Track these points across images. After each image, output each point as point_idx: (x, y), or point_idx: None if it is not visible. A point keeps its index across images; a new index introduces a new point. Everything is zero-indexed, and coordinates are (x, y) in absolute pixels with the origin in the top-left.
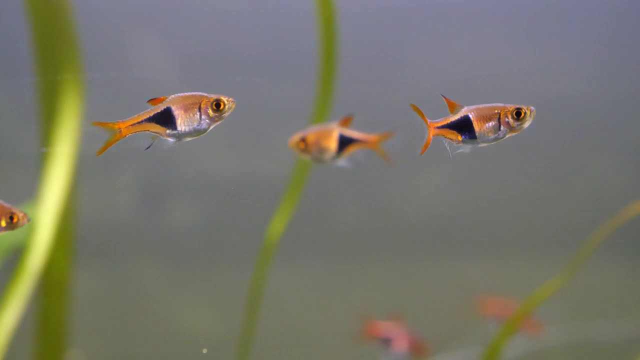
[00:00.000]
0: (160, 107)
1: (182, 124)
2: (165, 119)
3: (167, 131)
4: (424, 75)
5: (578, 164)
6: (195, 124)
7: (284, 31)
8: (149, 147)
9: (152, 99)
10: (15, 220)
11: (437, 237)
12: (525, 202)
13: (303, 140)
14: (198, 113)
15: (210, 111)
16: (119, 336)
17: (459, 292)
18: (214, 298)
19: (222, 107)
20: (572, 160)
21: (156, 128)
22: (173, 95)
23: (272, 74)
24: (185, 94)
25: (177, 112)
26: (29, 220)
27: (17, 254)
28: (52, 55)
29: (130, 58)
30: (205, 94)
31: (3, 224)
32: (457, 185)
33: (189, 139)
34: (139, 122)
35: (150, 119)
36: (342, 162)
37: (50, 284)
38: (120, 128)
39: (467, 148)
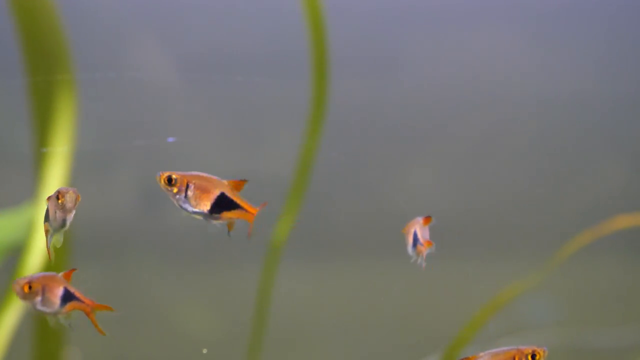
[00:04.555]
0: None
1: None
2: None
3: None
4: (423, 75)
5: (579, 166)
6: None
7: (285, 30)
8: None
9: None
10: None
11: (438, 237)
12: (524, 203)
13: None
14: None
15: None
16: (117, 335)
17: (458, 292)
18: (213, 298)
19: None
20: (573, 162)
21: None
22: None
23: (272, 74)
24: None
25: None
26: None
27: (17, 254)
28: (42, 55)
29: (128, 59)
30: None
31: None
32: (459, 187)
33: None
34: None
35: None
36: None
37: None
38: None
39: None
